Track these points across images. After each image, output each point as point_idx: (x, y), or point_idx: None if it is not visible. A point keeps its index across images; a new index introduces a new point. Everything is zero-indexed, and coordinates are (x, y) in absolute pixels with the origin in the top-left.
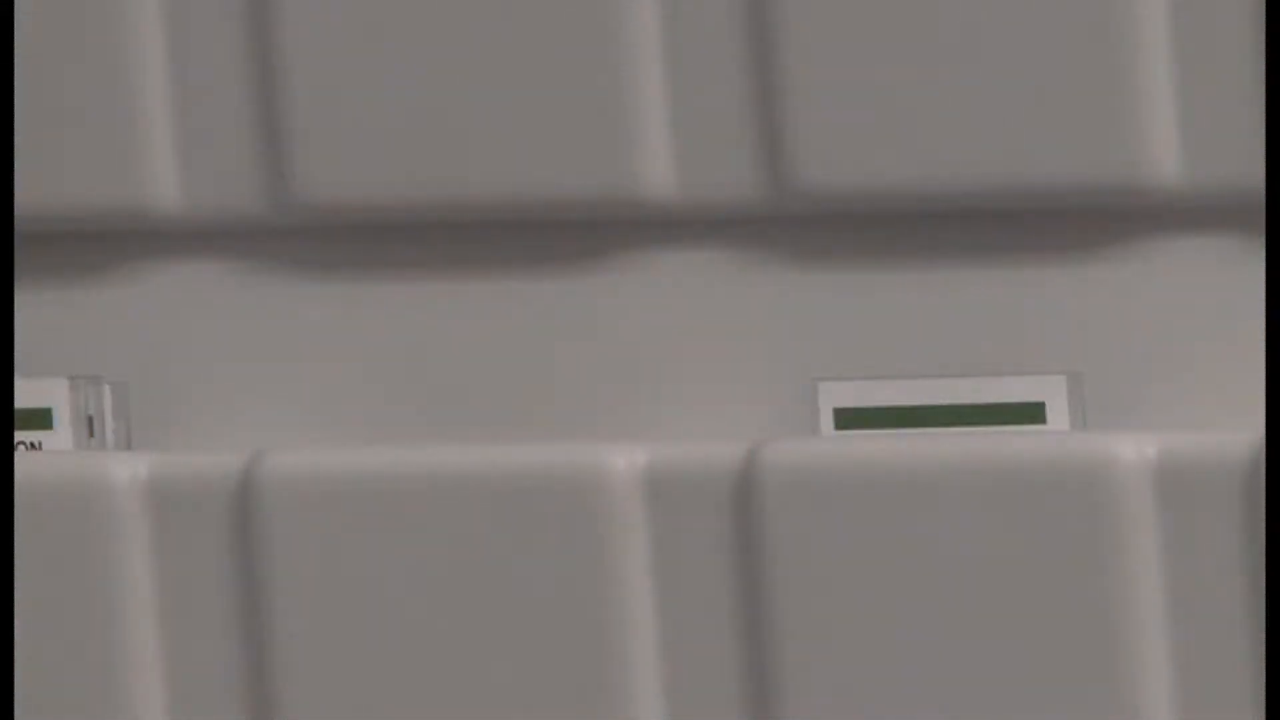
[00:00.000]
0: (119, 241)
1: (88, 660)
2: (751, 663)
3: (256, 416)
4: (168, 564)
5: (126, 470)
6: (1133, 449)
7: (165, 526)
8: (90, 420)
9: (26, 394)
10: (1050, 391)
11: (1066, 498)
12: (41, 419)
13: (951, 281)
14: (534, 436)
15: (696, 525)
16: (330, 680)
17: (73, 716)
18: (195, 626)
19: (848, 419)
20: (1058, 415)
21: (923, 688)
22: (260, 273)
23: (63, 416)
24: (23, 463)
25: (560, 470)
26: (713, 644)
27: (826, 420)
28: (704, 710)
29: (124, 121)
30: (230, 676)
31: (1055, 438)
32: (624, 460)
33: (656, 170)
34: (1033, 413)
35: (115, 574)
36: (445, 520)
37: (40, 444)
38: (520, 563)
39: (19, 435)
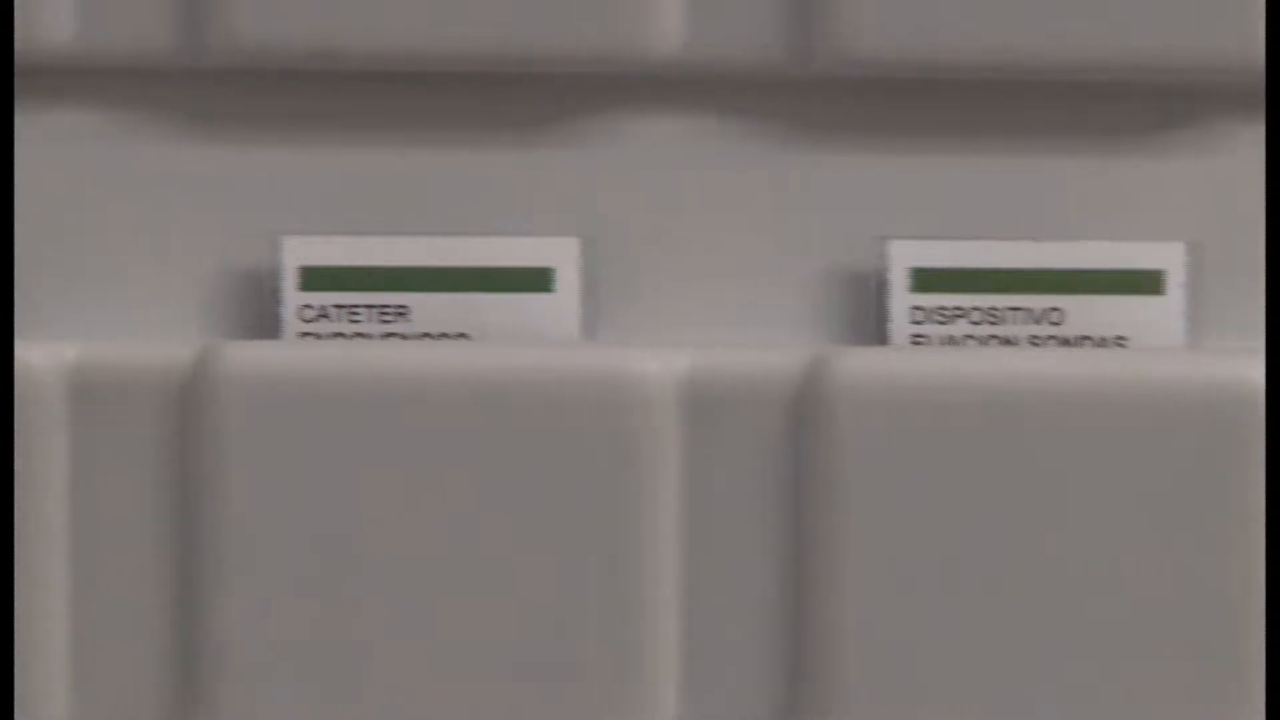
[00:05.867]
0: None
1: None
2: (794, 606)
3: (154, 297)
4: (91, 474)
5: (50, 361)
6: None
7: (91, 429)
8: None
9: None
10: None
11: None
12: None
13: (984, 152)
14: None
15: (742, 448)
16: (282, 621)
17: None
18: (116, 554)
19: (927, 280)
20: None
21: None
22: (168, 124)
23: None
24: None
25: (580, 376)
26: (751, 590)
27: (899, 281)
28: (737, 664)
29: None
30: (157, 627)
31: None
32: (659, 366)
33: (657, 19)
34: (1150, 281)
35: (30, 482)
36: (441, 432)
37: None
38: (529, 488)
39: None
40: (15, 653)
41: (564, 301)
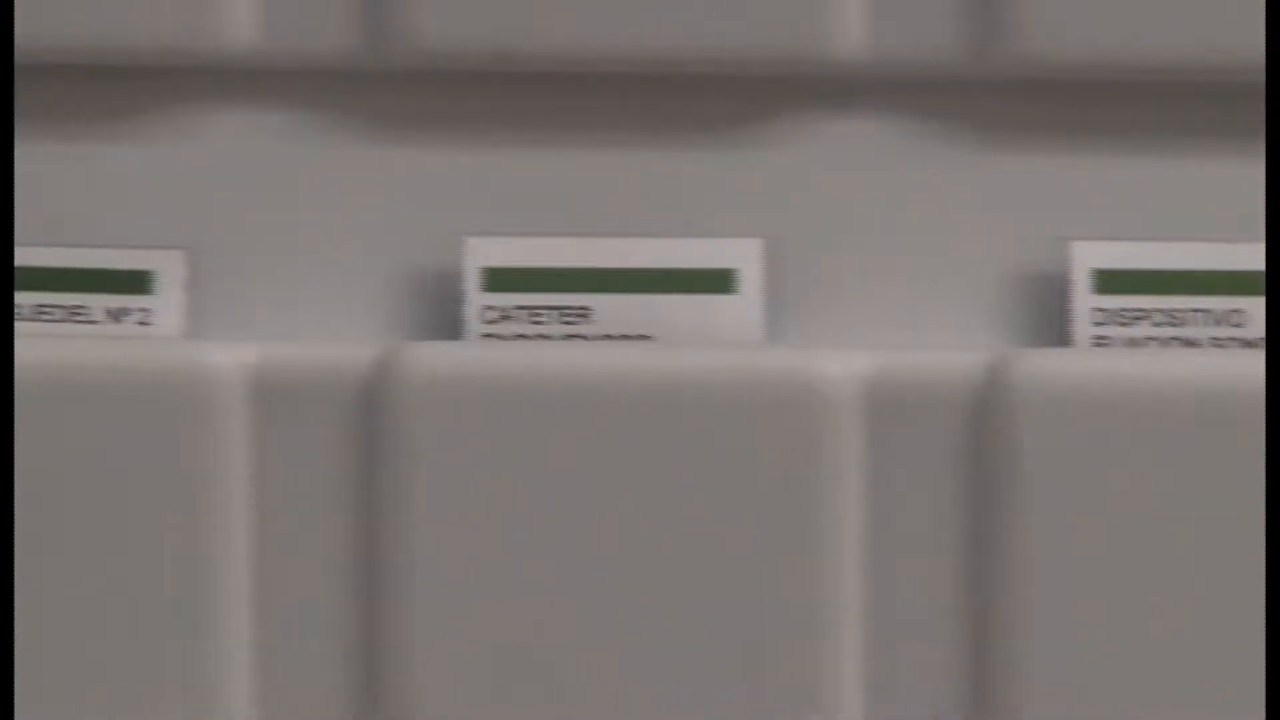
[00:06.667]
0: (179, 82)
1: (172, 588)
2: (977, 607)
3: (335, 298)
4: (274, 475)
5: (232, 362)
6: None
7: (273, 431)
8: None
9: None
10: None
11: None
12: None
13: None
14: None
15: (924, 450)
16: (464, 621)
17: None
18: (299, 555)
19: (1109, 281)
20: None
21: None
22: (351, 126)
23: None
24: (107, 349)
25: (762, 378)
26: (934, 591)
27: (1082, 283)
28: (921, 665)
29: None
30: (339, 627)
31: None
32: (842, 368)
33: (840, 23)
34: None
35: (214, 483)
36: (623, 434)
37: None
38: (712, 485)
39: (112, 301)
40: (201, 653)
41: (747, 303)
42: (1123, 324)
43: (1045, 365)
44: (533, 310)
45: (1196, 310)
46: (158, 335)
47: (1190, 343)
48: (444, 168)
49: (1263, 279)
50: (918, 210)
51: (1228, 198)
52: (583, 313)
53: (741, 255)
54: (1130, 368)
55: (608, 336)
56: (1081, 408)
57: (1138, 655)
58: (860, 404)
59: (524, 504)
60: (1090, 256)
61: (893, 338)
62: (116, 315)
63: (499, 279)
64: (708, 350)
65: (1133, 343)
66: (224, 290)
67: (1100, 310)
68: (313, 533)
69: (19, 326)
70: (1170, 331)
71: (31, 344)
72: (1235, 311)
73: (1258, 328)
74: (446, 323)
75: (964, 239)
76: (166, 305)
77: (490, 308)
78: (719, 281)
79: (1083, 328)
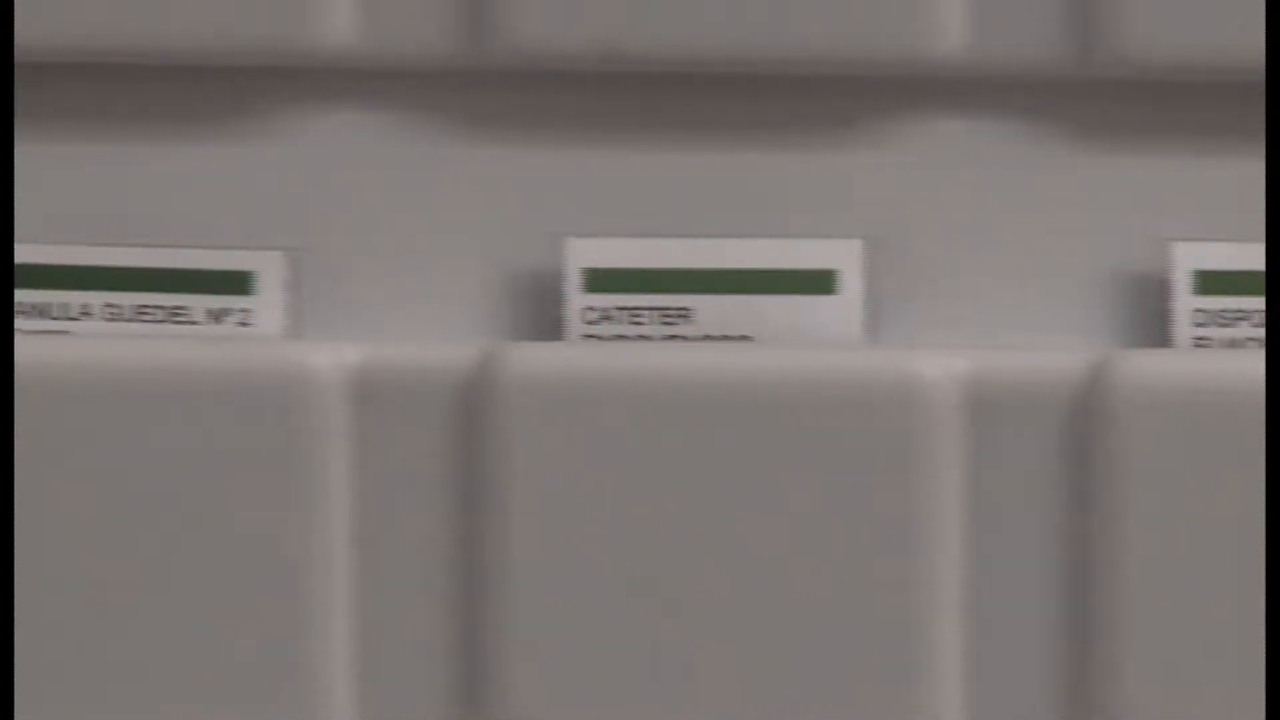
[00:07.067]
0: (278, 82)
1: (273, 588)
2: (1078, 608)
3: (435, 298)
4: (375, 476)
5: (333, 363)
6: (940, 369)
7: (374, 432)
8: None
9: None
10: None
11: None
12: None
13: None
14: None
15: (1024, 451)
16: (564, 622)
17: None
18: (400, 555)
19: (1210, 282)
20: None
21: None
22: (451, 126)
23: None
24: (207, 350)
25: (862, 378)
26: (1034, 592)
27: (1183, 284)
28: (1021, 666)
29: None
30: (441, 626)
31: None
32: (942, 369)
33: (940, 22)
34: None
35: (315, 484)
36: (723, 434)
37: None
38: (812, 485)
39: (213, 302)
40: (301, 653)
41: (847, 303)
42: (1223, 325)
43: (1146, 366)
44: (633, 311)
45: None
46: (258, 336)
47: None
48: (544, 168)
49: None
50: (1018, 211)
51: None
52: (683, 313)
53: (842, 256)
54: (1231, 369)
55: (708, 337)
56: (1182, 409)
57: (1239, 658)
58: (960, 405)
59: (624, 504)
60: (1191, 257)
61: (993, 338)
62: (217, 316)
63: (599, 280)
64: (808, 351)
65: (1233, 344)
66: (325, 291)
67: (1201, 311)
68: (413, 533)
69: (118, 327)
70: None
71: (132, 344)
72: None
73: None
74: (547, 323)
75: (1064, 239)
76: (267, 306)
77: (591, 308)
78: (819, 282)
79: (1183, 329)
